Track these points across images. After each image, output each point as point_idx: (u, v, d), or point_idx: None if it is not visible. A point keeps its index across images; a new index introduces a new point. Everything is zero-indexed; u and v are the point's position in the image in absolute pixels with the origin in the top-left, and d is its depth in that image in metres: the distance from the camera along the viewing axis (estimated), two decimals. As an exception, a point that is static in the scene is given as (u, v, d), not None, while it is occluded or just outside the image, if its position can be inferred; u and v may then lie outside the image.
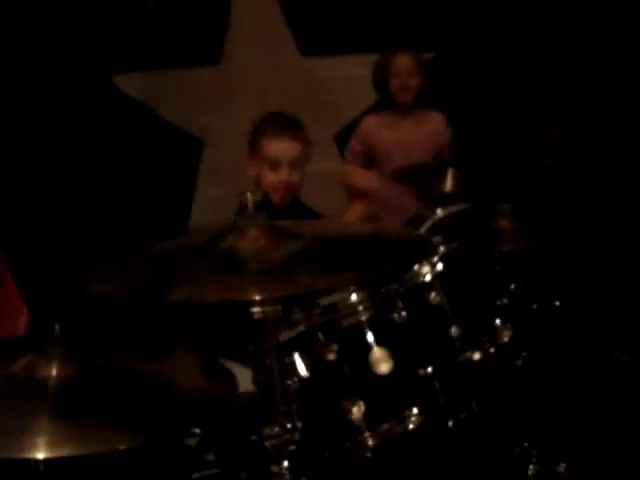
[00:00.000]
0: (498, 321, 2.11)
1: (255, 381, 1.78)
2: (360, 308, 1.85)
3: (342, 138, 3.88)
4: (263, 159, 2.68)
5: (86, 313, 2.11)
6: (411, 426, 1.77)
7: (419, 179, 2.91)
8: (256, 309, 1.34)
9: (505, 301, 2.11)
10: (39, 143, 3.61)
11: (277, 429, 1.45)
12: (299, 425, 1.52)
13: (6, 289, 2.91)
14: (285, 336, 1.85)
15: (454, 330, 2.06)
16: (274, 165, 2.66)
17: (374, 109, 3.56)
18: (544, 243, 2.25)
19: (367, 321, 1.82)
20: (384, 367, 1.77)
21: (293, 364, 1.77)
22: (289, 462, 1.50)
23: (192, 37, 3.75)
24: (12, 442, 1.36)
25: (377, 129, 3.45)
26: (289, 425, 1.47)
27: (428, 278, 2.05)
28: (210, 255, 1.31)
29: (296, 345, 1.78)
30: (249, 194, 1.32)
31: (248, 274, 1.26)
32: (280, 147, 2.66)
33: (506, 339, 2.14)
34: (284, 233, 1.33)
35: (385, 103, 3.43)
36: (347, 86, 3.77)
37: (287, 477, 1.48)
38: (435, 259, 2.06)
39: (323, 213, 2.93)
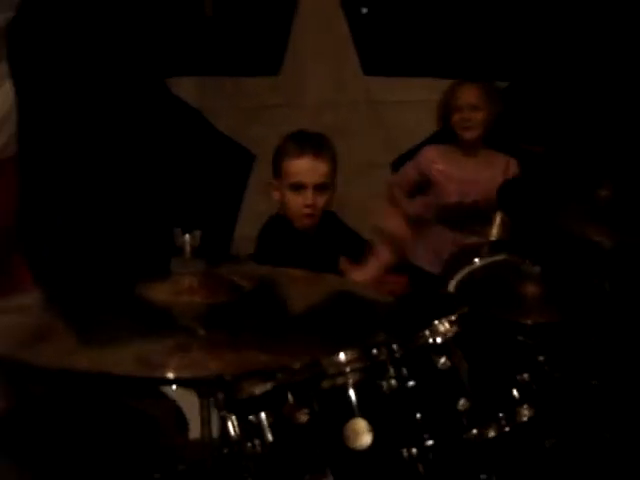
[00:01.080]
0: (516, 395, 1.87)
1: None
2: (347, 369, 1.63)
3: (400, 166, 3.68)
4: (286, 182, 2.49)
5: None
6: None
7: (461, 221, 2.65)
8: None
9: (526, 376, 1.84)
10: (87, 138, 3.53)
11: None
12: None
13: (17, 269, 2.84)
14: (259, 390, 1.64)
15: (462, 403, 1.82)
16: (298, 188, 2.47)
17: (438, 140, 3.31)
18: (572, 318, 1.96)
19: (352, 385, 1.61)
20: (361, 441, 1.53)
21: (258, 424, 1.56)
22: None
23: (251, 46, 3.60)
24: None
25: (436, 162, 3.17)
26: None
27: (439, 340, 1.83)
28: (129, 308, 1.11)
29: (265, 403, 1.58)
30: (188, 235, 1.11)
31: (152, 340, 1.04)
32: (303, 168, 2.45)
33: (525, 418, 1.88)
34: (223, 284, 1.12)
35: (450, 137, 3.16)
36: (409, 110, 3.52)
37: None
38: (452, 319, 1.83)
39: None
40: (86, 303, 1.20)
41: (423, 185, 3.25)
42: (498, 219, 2.58)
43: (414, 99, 3.51)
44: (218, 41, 3.63)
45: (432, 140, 3.50)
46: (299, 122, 3.63)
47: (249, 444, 1.52)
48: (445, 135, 3.18)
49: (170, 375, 1.01)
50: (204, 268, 1.13)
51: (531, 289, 1.93)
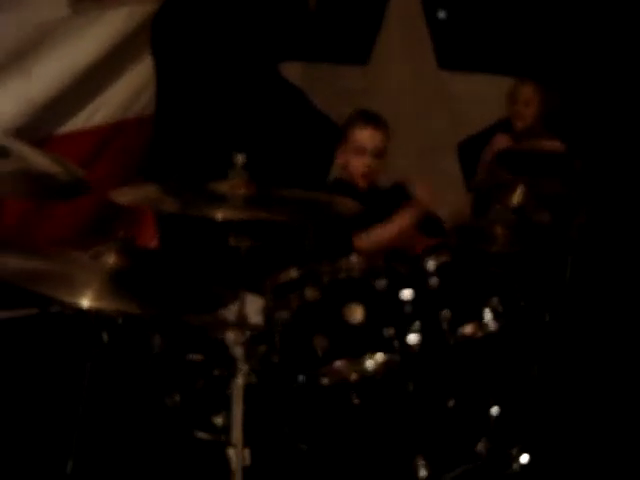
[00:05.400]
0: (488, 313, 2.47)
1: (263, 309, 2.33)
2: (355, 267, 2.32)
3: (464, 147, 4.28)
4: (351, 147, 3.16)
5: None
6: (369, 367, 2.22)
7: (489, 191, 3.25)
8: (231, 239, 1.88)
9: (495, 299, 2.45)
10: (210, 105, 4.30)
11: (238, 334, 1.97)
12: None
13: (145, 218, 3.68)
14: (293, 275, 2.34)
15: (445, 313, 2.45)
16: (360, 152, 3.13)
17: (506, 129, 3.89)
18: (528, 248, 2.58)
19: (354, 280, 2.29)
20: (354, 317, 2.23)
21: (286, 302, 2.28)
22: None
23: (347, 38, 4.31)
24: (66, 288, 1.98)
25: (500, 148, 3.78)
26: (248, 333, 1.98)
27: (431, 266, 2.48)
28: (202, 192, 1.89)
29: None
30: (239, 155, 1.85)
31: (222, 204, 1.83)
32: (365, 135, 3.12)
33: (493, 329, 2.48)
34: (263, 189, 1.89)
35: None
36: (476, 102, 4.12)
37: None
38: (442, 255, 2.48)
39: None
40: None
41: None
42: (519, 189, 3.18)
43: (481, 92, 4.11)
44: (320, 33, 4.35)
45: (494, 128, 4.09)
46: (382, 105, 4.29)
47: (277, 313, 2.24)
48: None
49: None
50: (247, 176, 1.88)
51: (499, 230, 2.58)
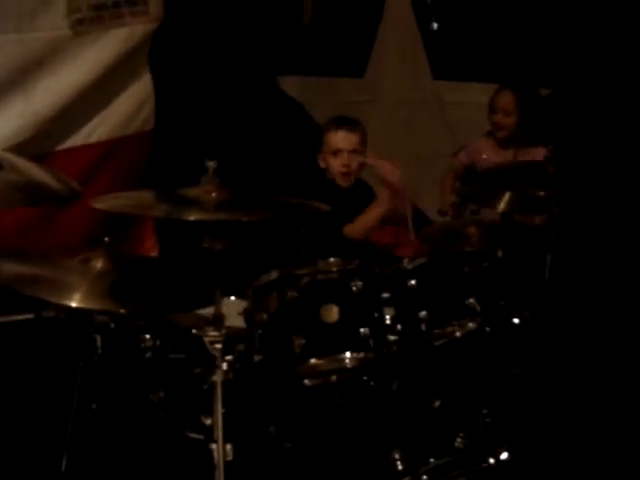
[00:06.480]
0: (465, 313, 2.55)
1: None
2: (334, 269, 2.41)
3: (459, 155, 4.37)
4: (329, 150, 3.28)
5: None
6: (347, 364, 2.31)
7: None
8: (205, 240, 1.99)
9: (472, 300, 2.53)
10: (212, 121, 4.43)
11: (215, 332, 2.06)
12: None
13: (146, 230, 3.81)
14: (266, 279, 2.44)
15: (423, 313, 2.53)
16: (336, 153, 3.25)
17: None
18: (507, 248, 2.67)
19: (331, 281, 2.39)
20: (330, 318, 2.32)
21: (265, 304, 2.38)
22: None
23: (342, 52, 4.44)
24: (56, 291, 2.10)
25: (484, 152, 3.84)
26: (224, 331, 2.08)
27: (409, 266, 2.56)
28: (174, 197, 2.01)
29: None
30: (210, 162, 1.96)
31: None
32: (340, 137, 3.25)
33: (472, 326, 2.56)
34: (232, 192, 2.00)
35: None
36: (469, 110, 4.20)
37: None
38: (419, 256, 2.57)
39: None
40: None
41: (471, 170, 3.94)
42: (506, 197, 3.26)
43: (474, 101, 4.19)
44: (315, 47, 4.48)
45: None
46: (379, 116, 4.42)
47: (258, 315, 2.34)
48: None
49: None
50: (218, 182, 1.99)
51: (472, 230, 2.67)
